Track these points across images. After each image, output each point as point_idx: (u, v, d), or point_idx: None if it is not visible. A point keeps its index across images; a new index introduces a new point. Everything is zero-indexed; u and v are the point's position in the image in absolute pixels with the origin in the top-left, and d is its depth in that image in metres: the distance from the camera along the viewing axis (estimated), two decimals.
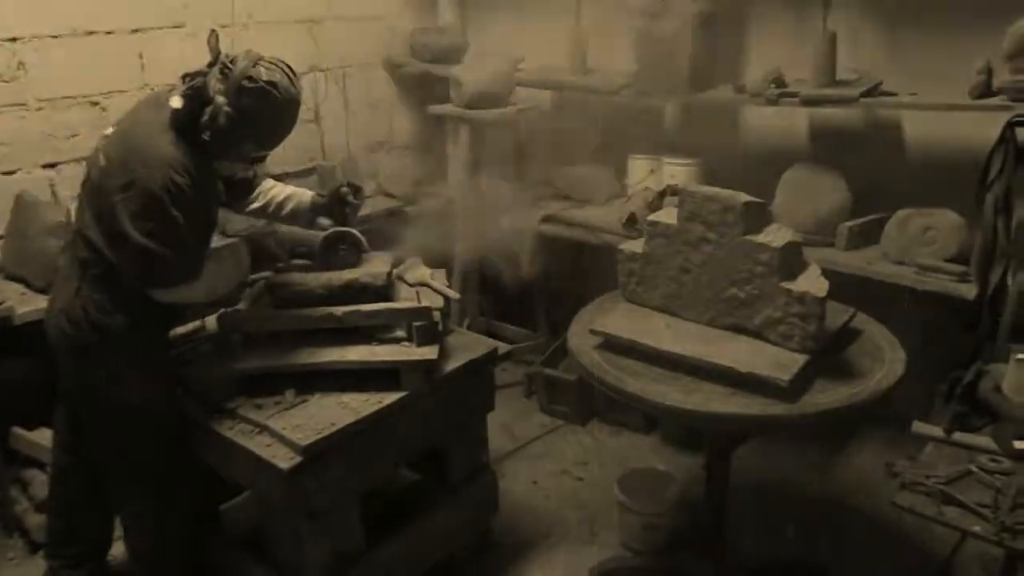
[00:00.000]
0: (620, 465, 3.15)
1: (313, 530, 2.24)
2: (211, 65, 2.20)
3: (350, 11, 4.15)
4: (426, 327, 2.38)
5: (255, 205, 2.68)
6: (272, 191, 2.69)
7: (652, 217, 2.47)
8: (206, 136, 2.17)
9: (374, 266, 2.53)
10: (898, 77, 3.07)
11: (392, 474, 2.76)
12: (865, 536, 2.91)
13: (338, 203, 2.61)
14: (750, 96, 3.24)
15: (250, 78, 2.15)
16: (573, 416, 3.73)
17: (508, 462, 3.43)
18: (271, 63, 2.20)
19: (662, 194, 3.43)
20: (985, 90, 2.78)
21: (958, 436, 2.12)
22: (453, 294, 2.66)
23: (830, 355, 2.27)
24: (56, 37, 3.20)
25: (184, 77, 2.22)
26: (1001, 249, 2.62)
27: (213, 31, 2.23)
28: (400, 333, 2.41)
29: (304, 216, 2.67)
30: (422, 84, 4.34)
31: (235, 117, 2.15)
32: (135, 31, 3.41)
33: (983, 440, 2.11)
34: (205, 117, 2.15)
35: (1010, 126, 2.59)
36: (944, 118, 2.99)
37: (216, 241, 2.44)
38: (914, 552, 2.77)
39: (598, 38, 3.80)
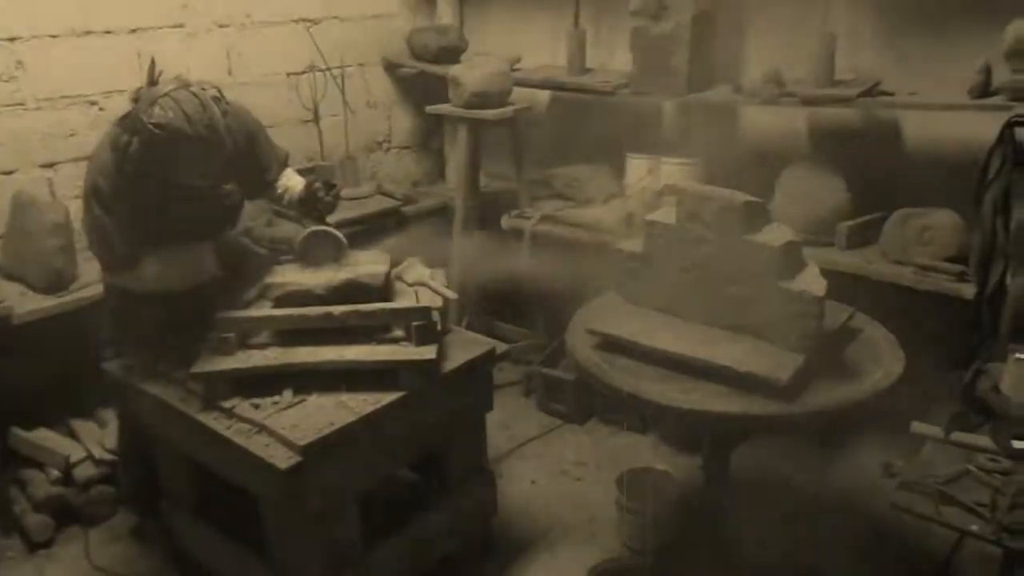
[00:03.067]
0: (619, 465, 3.14)
1: (311, 530, 2.24)
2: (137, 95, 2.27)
3: (349, 11, 4.15)
4: (424, 327, 2.38)
5: (278, 193, 2.75)
6: (283, 180, 2.75)
7: (650, 217, 2.47)
8: (129, 168, 2.30)
9: (372, 266, 2.52)
10: (896, 77, 3.07)
11: (390, 474, 2.76)
12: (863, 536, 2.90)
13: (311, 199, 2.64)
14: (749, 96, 3.24)
15: (140, 121, 2.20)
16: (571, 416, 3.72)
17: (506, 462, 3.42)
18: (174, 99, 2.18)
19: (660, 194, 3.42)
20: (984, 90, 2.78)
21: (956, 436, 2.12)
22: (451, 294, 2.65)
23: (828, 354, 2.27)
24: (55, 37, 3.21)
25: (135, 94, 2.28)
26: (1000, 249, 2.62)
27: (152, 59, 2.27)
28: (398, 333, 2.41)
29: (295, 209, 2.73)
30: (421, 84, 4.34)
31: (136, 157, 2.27)
32: (134, 31, 3.41)
33: (981, 440, 2.11)
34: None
35: (1009, 126, 2.58)
36: (943, 118, 2.99)
37: None
38: (912, 552, 2.76)
39: (596, 38, 3.80)
